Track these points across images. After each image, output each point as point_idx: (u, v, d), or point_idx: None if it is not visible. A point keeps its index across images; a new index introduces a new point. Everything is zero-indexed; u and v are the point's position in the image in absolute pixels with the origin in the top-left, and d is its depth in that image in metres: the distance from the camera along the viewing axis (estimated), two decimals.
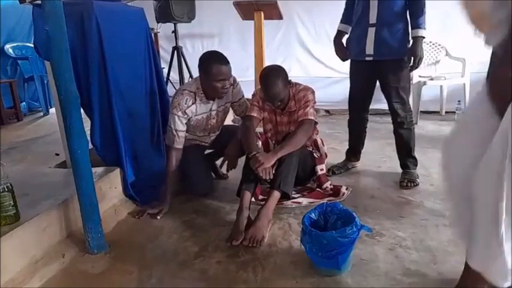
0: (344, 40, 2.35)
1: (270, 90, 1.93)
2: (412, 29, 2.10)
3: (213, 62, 1.95)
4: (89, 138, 1.80)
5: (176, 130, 2.02)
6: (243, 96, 2.26)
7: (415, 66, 2.09)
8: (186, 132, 2.11)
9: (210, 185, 2.24)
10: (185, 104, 2.01)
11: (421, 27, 2.06)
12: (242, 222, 1.73)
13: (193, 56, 4.10)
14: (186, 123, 2.07)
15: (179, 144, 2.03)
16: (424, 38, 2.08)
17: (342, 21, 2.35)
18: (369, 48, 2.15)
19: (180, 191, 2.25)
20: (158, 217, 1.94)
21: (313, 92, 2.05)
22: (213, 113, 2.17)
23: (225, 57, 1.99)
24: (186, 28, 4.34)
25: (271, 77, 1.93)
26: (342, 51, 2.34)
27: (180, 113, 2.00)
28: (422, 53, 2.08)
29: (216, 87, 1.98)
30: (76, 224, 1.71)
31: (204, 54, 2.08)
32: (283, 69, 2.00)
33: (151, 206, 2.02)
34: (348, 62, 2.37)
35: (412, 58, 2.08)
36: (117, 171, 2.09)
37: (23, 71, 4.30)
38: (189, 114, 2.05)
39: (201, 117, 2.12)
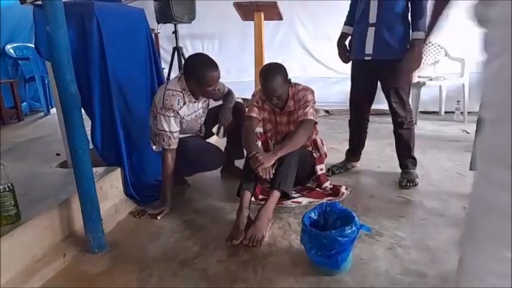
0: (347, 42, 2.35)
1: (268, 84, 1.93)
2: (412, 31, 2.09)
3: (205, 69, 1.94)
4: (89, 138, 1.81)
5: (171, 132, 1.97)
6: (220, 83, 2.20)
7: (413, 69, 2.08)
8: (181, 132, 2.07)
9: (224, 156, 2.26)
10: (178, 105, 1.98)
11: (421, 29, 2.04)
12: (242, 222, 1.73)
13: None
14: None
15: (175, 144, 2.00)
16: (424, 40, 2.07)
17: (345, 23, 2.35)
18: (369, 48, 2.16)
19: (181, 182, 2.28)
20: (159, 217, 1.94)
21: (312, 92, 2.06)
22: (200, 111, 2.18)
23: (213, 61, 1.99)
24: (187, 29, 4.35)
25: (270, 72, 1.94)
26: (344, 54, 2.34)
27: (173, 114, 1.96)
28: (420, 56, 2.06)
29: (209, 91, 2.01)
30: (77, 223, 1.72)
31: (191, 59, 2.04)
32: (284, 67, 2.00)
33: (152, 206, 2.03)
34: (349, 62, 2.38)
35: (410, 61, 2.06)
36: (118, 171, 2.09)
37: (23, 71, 4.31)
38: (181, 115, 2.02)
39: (190, 118, 2.11)
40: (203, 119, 2.24)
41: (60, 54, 1.42)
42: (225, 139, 2.42)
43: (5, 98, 3.84)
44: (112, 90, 2.03)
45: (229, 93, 2.32)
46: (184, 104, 2.02)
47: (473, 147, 2.00)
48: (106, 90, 2.02)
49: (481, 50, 0.72)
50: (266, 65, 2.07)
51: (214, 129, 2.22)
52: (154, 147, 2.15)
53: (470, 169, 2.03)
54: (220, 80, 2.21)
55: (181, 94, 2.00)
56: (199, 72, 1.95)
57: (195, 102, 2.11)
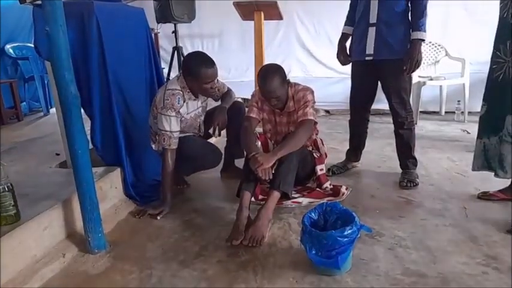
0: (348, 43, 2.34)
1: (266, 86, 1.93)
2: (412, 31, 2.08)
3: (201, 65, 1.96)
4: (89, 138, 1.81)
5: (172, 131, 1.98)
6: (218, 80, 2.18)
7: (412, 69, 2.08)
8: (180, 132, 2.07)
9: (221, 154, 2.25)
10: (178, 104, 1.99)
11: (421, 29, 2.04)
12: (242, 222, 1.73)
13: None
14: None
15: (175, 144, 2.00)
16: (423, 40, 2.06)
17: (345, 24, 2.34)
18: (369, 48, 2.15)
19: (181, 183, 2.29)
20: (158, 218, 1.94)
21: (312, 92, 2.05)
22: (200, 109, 2.18)
23: (210, 58, 2.01)
24: (186, 28, 4.35)
25: (268, 74, 1.94)
26: (343, 55, 2.33)
27: (174, 113, 1.98)
28: (420, 56, 2.05)
29: (206, 89, 2.01)
30: (76, 223, 1.71)
31: (188, 57, 2.09)
32: (282, 68, 2.00)
33: (152, 206, 2.02)
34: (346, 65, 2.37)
35: (409, 61, 2.06)
36: (118, 171, 2.09)
37: (23, 71, 4.31)
38: (182, 114, 2.04)
39: (190, 117, 2.12)
40: (202, 118, 2.24)
41: (59, 54, 1.42)
42: (225, 138, 2.41)
43: (4, 98, 3.83)
44: (112, 90, 2.02)
45: (228, 93, 2.32)
46: (184, 102, 2.03)
47: (474, 147, 2.00)
48: (106, 90, 2.01)
49: None
50: (264, 66, 2.06)
51: (211, 130, 2.22)
52: (153, 146, 2.16)
53: (473, 170, 2.02)
54: (220, 80, 2.21)
55: (181, 92, 2.02)
56: (195, 68, 1.97)
57: (194, 100, 2.11)
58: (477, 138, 1.98)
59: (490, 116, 1.89)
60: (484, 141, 1.93)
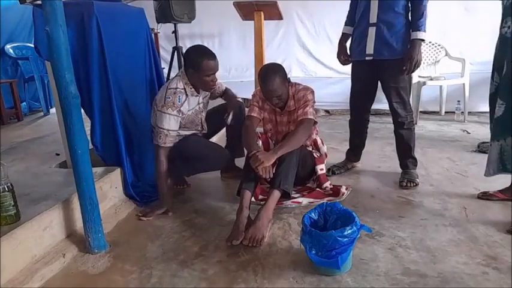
0: (348, 43, 2.35)
1: (267, 85, 1.93)
2: (411, 31, 2.08)
3: (202, 57, 1.96)
4: (89, 138, 1.81)
5: (169, 130, 1.97)
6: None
7: (411, 69, 2.08)
8: (182, 128, 2.08)
9: (227, 156, 2.21)
10: (179, 102, 1.98)
11: (421, 29, 2.04)
12: (242, 222, 1.73)
13: None
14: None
15: (171, 143, 2.00)
16: (423, 40, 2.06)
17: (346, 24, 2.34)
18: (369, 48, 2.15)
19: (181, 183, 2.30)
20: (169, 213, 1.96)
21: (312, 92, 2.06)
22: (201, 105, 2.17)
23: (211, 51, 2.01)
24: (186, 28, 4.35)
25: (269, 72, 1.95)
26: (343, 55, 2.33)
27: (175, 112, 1.97)
28: (419, 57, 2.05)
29: (207, 81, 2.00)
30: (76, 223, 1.72)
31: (190, 50, 2.08)
32: (282, 67, 2.01)
33: (152, 206, 2.02)
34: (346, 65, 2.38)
35: (409, 61, 2.05)
36: (118, 171, 2.09)
37: (23, 71, 4.31)
38: (183, 112, 2.03)
39: (191, 113, 2.11)
40: (203, 114, 2.22)
41: (59, 54, 1.42)
42: (225, 138, 2.41)
43: (4, 98, 3.83)
44: (112, 90, 2.02)
45: (228, 90, 2.33)
46: (185, 99, 2.02)
47: (489, 151, 1.91)
48: (106, 90, 2.01)
49: None
50: (264, 65, 2.07)
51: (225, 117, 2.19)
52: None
53: (486, 175, 1.92)
54: (219, 80, 2.21)
55: (182, 91, 2.01)
56: (197, 60, 1.96)
57: (196, 96, 2.10)
58: (492, 140, 1.87)
59: (510, 116, 1.78)
60: (501, 143, 1.83)
